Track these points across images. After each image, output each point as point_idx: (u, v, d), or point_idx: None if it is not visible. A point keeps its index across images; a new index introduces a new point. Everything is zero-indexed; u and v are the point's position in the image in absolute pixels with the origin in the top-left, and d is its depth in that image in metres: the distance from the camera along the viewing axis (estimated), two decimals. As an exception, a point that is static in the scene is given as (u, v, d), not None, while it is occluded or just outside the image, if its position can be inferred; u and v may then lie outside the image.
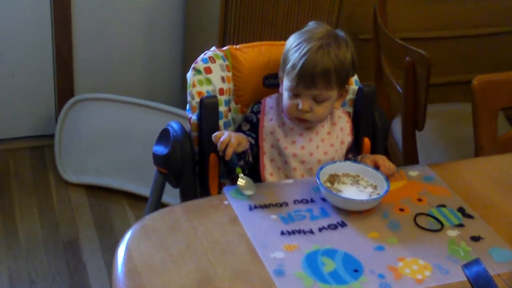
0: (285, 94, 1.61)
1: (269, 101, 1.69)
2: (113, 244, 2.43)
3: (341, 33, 1.63)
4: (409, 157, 2.24)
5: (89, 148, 2.77)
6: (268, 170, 1.64)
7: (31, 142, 2.98)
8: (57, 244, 2.42)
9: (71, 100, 2.79)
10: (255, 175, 1.63)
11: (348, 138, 1.71)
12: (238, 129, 1.68)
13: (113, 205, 2.66)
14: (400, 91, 2.19)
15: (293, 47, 1.59)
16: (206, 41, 2.65)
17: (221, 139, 1.49)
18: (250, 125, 1.67)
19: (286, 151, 1.63)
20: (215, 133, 1.51)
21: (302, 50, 1.56)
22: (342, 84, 1.63)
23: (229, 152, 1.49)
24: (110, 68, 2.98)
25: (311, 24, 1.65)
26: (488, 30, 2.98)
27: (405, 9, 2.79)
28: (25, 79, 2.87)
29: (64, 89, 2.92)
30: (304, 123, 1.62)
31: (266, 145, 1.64)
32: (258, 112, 1.67)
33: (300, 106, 1.58)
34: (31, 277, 2.26)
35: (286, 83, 1.60)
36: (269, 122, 1.65)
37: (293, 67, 1.56)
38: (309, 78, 1.55)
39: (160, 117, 2.73)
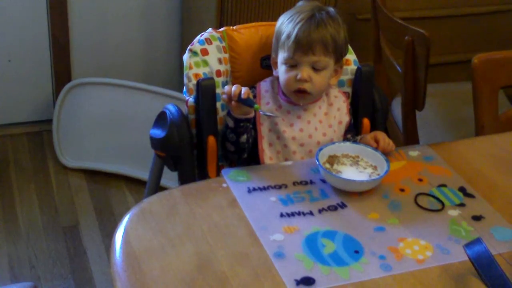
0: (282, 68, 1.59)
1: (263, 85, 1.67)
2: (113, 228, 2.40)
3: (332, 9, 1.61)
4: (410, 137, 2.23)
5: (87, 132, 2.76)
6: (267, 155, 1.62)
7: (29, 127, 2.96)
8: (57, 229, 2.42)
9: (69, 85, 2.78)
10: (254, 160, 1.62)
11: (346, 118, 1.69)
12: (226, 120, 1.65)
13: (112, 190, 2.65)
14: (400, 71, 2.17)
15: (285, 22, 1.59)
16: (203, 23, 2.63)
17: (233, 88, 1.49)
18: None
19: (285, 135, 1.61)
20: (224, 90, 1.52)
21: (295, 20, 1.56)
22: (338, 56, 1.61)
23: (246, 90, 1.49)
24: (107, 52, 2.96)
25: (300, 3, 1.64)
26: (488, 8, 2.96)
27: (404, -12, 2.76)
28: (22, 65, 2.85)
29: (61, 73, 2.90)
30: (304, 96, 1.59)
31: (264, 129, 1.62)
32: (254, 96, 1.64)
33: (299, 76, 1.55)
34: (31, 263, 2.26)
35: (282, 56, 1.58)
36: (265, 106, 1.63)
37: (289, 36, 1.55)
38: (306, 43, 1.54)
39: (158, 100, 2.71)
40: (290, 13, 1.60)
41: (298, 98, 1.60)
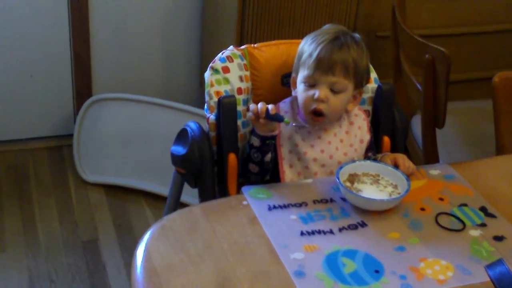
0: (301, 87, 1.59)
1: (283, 106, 1.67)
2: (132, 243, 2.43)
3: (357, 35, 1.62)
4: (429, 155, 2.22)
5: (107, 148, 2.77)
6: (289, 176, 1.62)
7: (50, 142, 2.99)
8: (76, 243, 2.43)
9: (89, 100, 2.80)
10: (275, 181, 1.62)
11: (366, 136, 1.69)
12: (250, 140, 1.65)
13: (131, 205, 2.66)
14: (420, 88, 2.17)
15: (308, 41, 1.60)
16: (223, 40, 2.65)
17: (259, 105, 1.51)
18: None
19: (306, 156, 1.61)
20: (250, 107, 1.53)
21: (319, 40, 1.57)
22: (358, 81, 1.61)
23: (273, 107, 1.51)
24: (128, 68, 2.99)
25: (326, 26, 1.65)
26: (509, 26, 2.95)
27: (424, 6, 2.76)
28: (43, 80, 2.88)
29: (82, 89, 2.93)
30: (319, 119, 1.59)
31: (284, 151, 1.62)
32: None
33: (316, 95, 1.55)
34: (50, 277, 2.27)
35: (301, 75, 1.59)
36: (285, 127, 1.63)
37: (310, 54, 1.56)
38: (327, 63, 1.54)
39: (178, 116, 2.72)
40: (315, 34, 1.61)
41: (314, 122, 1.60)
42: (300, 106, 1.61)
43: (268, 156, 1.58)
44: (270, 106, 1.51)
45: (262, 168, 1.60)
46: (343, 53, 1.55)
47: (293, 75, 1.66)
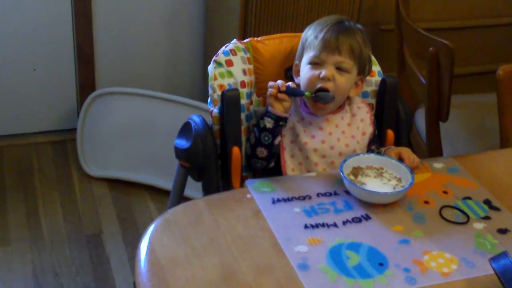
0: (306, 68, 1.60)
1: None
2: (136, 237, 2.43)
3: (360, 26, 1.63)
4: (433, 149, 2.22)
5: (111, 142, 2.78)
6: (290, 166, 1.62)
7: (54, 136, 2.99)
8: (80, 237, 2.43)
9: (93, 94, 2.80)
10: (276, 171, 1.62)
11: (369, 129, 1.69)
12: (260, 125, 1.65)
13: (135, 199, 2.66)
14: (424, 82, 2.17)
15: (312, 28, 1.63)
16: (227, 34, 2.64)
17: (279, 82, 1.56)
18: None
19: (307, 146, 1.61)
20: (270, 84, 1.58)
21: (324, 23, 1.60)
22: (361, 67, 1.62)
23: (292, 83, 1.58)
24: (131, 62, 2.99)
25: (328, 16, 1.67)
26: (513, 19, 2.95)
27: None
28: (46, 74, 2.88)
29: (86, 83, 2.93)
30: (323, 107, 1.60)
31: (286, 141, 1.62)
32: None
33: (323, 74, 1.56)
34: (54, 271, 2.27)
35: (307, 57, 1.60)
36: (288, 129, 1.63)
37: (316, 36, 1.59)
38: (334, 43, 1.57)
39: (181, 110, 2.72)
40: (317, 21, 1.64)
41: (319, 108, 1.60)
42: (304, 87, 1.61)
43: (278, 139, 1.60)
44: (289, 83, 1.56)
45: (270, 152, 1.60)
46: (349, 35, 1.59)
47: (296, 62, 1.67)
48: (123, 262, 2.33)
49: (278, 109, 1.56)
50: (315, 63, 1.59)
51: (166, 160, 2.54)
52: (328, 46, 1.57)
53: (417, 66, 2.29)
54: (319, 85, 1.58)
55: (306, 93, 1.56)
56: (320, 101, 1.58)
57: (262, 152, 1.60)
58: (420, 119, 2.39)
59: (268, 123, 1.57)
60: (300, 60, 1.64)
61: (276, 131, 1.58)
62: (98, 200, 2.63)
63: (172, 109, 2.74)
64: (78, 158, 2.78)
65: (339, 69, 1.58)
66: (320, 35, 1.58)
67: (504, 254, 1.24)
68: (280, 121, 1.57)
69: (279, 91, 1.55)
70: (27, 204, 2.58)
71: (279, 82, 1.56)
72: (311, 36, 1.60)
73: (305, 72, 1.60)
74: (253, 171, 1.69)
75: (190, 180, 1.76)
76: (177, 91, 3.01)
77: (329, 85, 1.57)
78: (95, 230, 2.48)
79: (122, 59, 2.96)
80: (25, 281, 2.22)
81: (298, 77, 1.65)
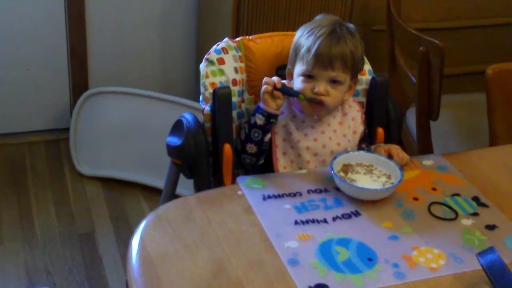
0: (299, 79, 1.60)
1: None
2: (128, 236, 2.39)
3: (351, 25, 1.63)
4: (424, 148, 2.23)
5: (104, 141, 2.78)
6: (282, 164, 1.63)
7: (47, 135, 3.00)
8: (73, 236, 2.44)
9: (86, 94, 2.81)
10: (268, 169, 1.64)
11: (360, 128, 1.70)
12: (250, 121, 1.67)
13: (128, 198, 2.67)
14: (414, 81, 2.18)
15: (305, 34, 1.60)
16: (219, 33, 2.66)
17: (274, 78, 1.56)
18: None
19: (299, 144, 1.62)
20: (264, 83, 1.57)
21: (316, 34, 1.57)
22: (354, 72, 1.62)
23: (288, 82, 1.59)
24: (124, 61, 3.00)
25: (319, 16, 1.65)
26: (503, 19, 2.96)
27: (419, 0, 2.77)
28: (40, 73, 2.89)
29: (79, 82, 2.94)
30: (319, 109, 1.60)
31: (278, 139, 1.63)
32: None
33: (316, 89, 1.57)
34: (47, 269, 2.28)
35: (300, 69, 1.59)
36: (280, 115, 1.63)
37: (309, 49, 1.56)
38: (327, 58, 1.55)
39: (174, 109, 2.73)
40: (310, 26, 1.61)
41: (313, 110, 1.61)
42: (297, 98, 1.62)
43: (268, 136, 1.60)
44: (285, 81, 1.56)
45: (260, 149, 1.60)
46: (341, 47, 1.56)
47: (288, 66, 1.67)
48: (116, 261, 2.34)
49: (271, 106, 1.57)
50: (308, 76, 1.59)
51: (159, 159, 2.55)
52: (320, 61, 1.56)
53: (408, 66, 2.31)
54: (313, 97, 1.58)
55: (300, 95, 1.56)
56: (313, 102, 1.59)
57: (251, 148, 1.61)
58: (411, 118, 2.41)
59: (259, 119, 1.58)
60: (292, 66, 1.64)
61: (266, 128, 1.59)
62: (91, 199, 2.64)
63: (165, 108, 2.76)
64: (71, 157, 2.79)
65: (332, 81, 1.58)
66: (313, 49, 1.56)
67: (491, 250, 1.25)
68: (271, 118, 1.58)
69: (275, 88, 1.56)
70: (20, 203, 2.58)
71: (275, 78, 1.56)
72: (304, 47, 1.58)
73: (298, 83, 1.60)
74: (245, 168, 1.70)
75: (182, 178, 1.77)
76: (170, 90, 3.02)
77: (323, 98, 1.58)
78: (88, 229, 2.48)
79: (115, 59, 2.97)
80: (18, 280, 2.22)
81: (291, 81, 1.65)
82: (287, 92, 1.58)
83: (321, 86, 1.57)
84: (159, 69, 3.09)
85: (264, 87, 1.57)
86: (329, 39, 1.56)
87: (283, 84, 1.56)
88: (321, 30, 1.58)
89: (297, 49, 1.61)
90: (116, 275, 2.29)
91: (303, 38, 1.60)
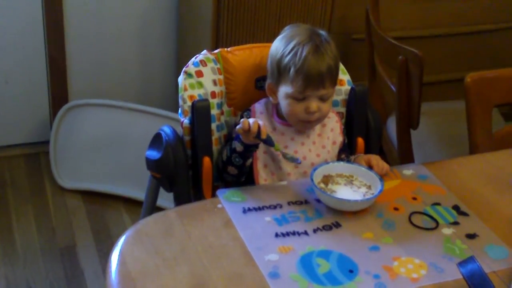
0: (287, 101, 1.58)
1: (258, 107, 1.68)
2: (110, 249, 2.38)
3: (324, 33, 1.62)
4: (405, 156, 2.24)
5: (84, 154, 2.77)
6: (262, 176, 1.63)
7: (26, 149, 2.97)
8: (54, 250, 2.42)
9: (66, 106, 2.79)
10: (248, 181, 1.63)
11: (339, 138, 1.70)
12: (232, 145, 1.65)
13: (109, 210, 2.65)
14: (394, 90, 2.19)
15: (288, 53, 1.56)
16: (199, 44, 2.65)
17: (251, 122, 1.49)
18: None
19: (279, 157, 1.62)
20: (242, 121, 1.50)
21: (301, 53, 1.55)
22: (337, 80, 1.63)
23: (264, 130, 1.51)
24: (104, 73, 2.98)
25: (290, 27, 1.63)
26: (481, 27, 2.98)
27: (398, 8, 2.78)
28: (18, 86, 2.87)
29: (58, 95, 2.92)
30: (310, 125, 1.62)
31: (259, 151, 1.62)
32: (249, 117, 1.65)
33: (310, 109, 1.56)
34: (28, 284, 2.26)
35: (288, 90, 1.57)
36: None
37: (298, 72, 1.54)
38: (318, 78, 1.55)
39: (154, 121, 2.72)
40: (288, 40, 1.58)
41: (305, 127, 1.62)
42: (288, 116, 1.61)
43: (249, 161, 1.59)
44: (261, 124, 1.50)
45: (241, 172, 1.60)
46: (327, 61, 1.56)
47: (269, 81, 1.64)
48: (98, 275, 2.32)
49: (247, 141, 1.53)
50: (298, 98, 1.57)
51: (140, 171, 2.53)
52: (312, 83, 1.54)
53: (388, 74, 2.32)
54: (306, 119, 1.58)
55: (275, 145, 1.54)
56: (288, 160, 1.57)
57: (233, 170, 1.60)
58: (392, 126, 2.41)
59: (238, 147, 1.56)
60: (275, 82, 1.60)
61: (246, 155, 1.57)
62: (72, 212, 2.62)
63: (145, 120, 2.74)
64: (51, 171, 2.77)
65: (322, 98, 1.58)
66: (303, 70, 1.53)
67: (471, 259, 1.25)
68: (250, 147, 1.56)
69: (257, 135, 1.51)
70: None
71: (251, 122, 1.50)
72: (291, 69, 1.54)
73: (288, 104, 1.58)
74: (225, 181, 1.69)
75: (163, 190, 1.75)
76: (151, 102, 3.00)
77: (315, 116, 1.58)
78: (69, 243, 2.46)
79: (94, 71, 2.96)
80: (-2, 296, 2.21)
81: (274, 97, 1.63)
82: (262, 141, 1.53)
83: (313, 105, 1.57)
84: (139, 81, 3.07)
85: (238, 128, 1.51)
86: (316, 57, 1.55)
87: (258, 133, 1.50)
88: (304, 48, 1.55)
89: (280, 67, 1.58)
90: (98, 289, 2.27)
91: (285, 57, 1.57)
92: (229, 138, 1.68)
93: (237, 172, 1.60)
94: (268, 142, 1.54)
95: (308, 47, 1.55)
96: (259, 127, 1.50)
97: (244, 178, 1.63)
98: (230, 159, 1.59)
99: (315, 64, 1.54)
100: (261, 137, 1.51)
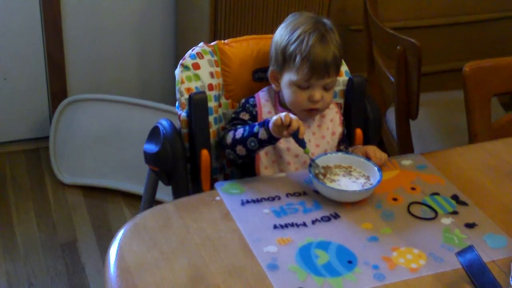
0: (291, 89, 1.59)
1: (262, 95, 1.68)
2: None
3: (327, 21, 1.62)
4: (404, 147, 2.23)
5: (84, 149, 2.77)
6: (264, 163, 1.63)
7: (26, 145, 2.97)
8: (55, 246, 2.42)
9: (65, 102, 2.78)
10: (250, 168, 1.63)
11: (339, 129, 1.70)
12: (236, 119, 1.65)
13: (110, 205, 2.65)
14: (393, 80, 2.18)
15: (294, 40, 1.57)
16: (197, 38, 2.64)
17: (293, 118, 1.47)
18: (250, 116, 1.65)
19: (280, 145, 1.62)
20: (282, 116, 1.47)
21: (307, 41, 1.55)
22: (340, 69, 1.64)
23: (303, 130, 1.49)
24: (102, 68, 2.98)
25: (294, 15, 1.64)
26: (480, 17, 2.98)
27: (396, -1, 2.78)
28: (17, 83, 2.86)
29: (57, 90, 2.92)
30: (314, 114, 1.62)
31: None
32: (255, 105, 1.65)
33: (314, 98, 1.57)
34: (29, 280, 2.26)
35: (292, 77, 1.57)
36: (267, 114, 1.63)
37: (304, 60, 1.54)
38: (324, 67, 1.55)
39: (153, 115, 2.72)
40: (294, 27, 1.58)
41: (309, 115, 1.63)
42: (291, 106, 1.61)
43: (262, 150, 1.59)
44: (301, 128, 1.48)
45: (249, 156, 1.59)
46: (332, 50, 1.56)
47: (272, 68, 1.64)
48: (99, 270, 2.32)
49: (276, 133, 1.51)
50: (302, 86, 1.57)
51: (140, 166, 2.52)
52: (317, 71, 1.55)
53: (386, 65, 2.31)
54: (310, 107, 1.58)
55: (306, 149, 1.52)
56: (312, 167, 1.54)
57: (241, 150, 1.57)
58: (391, 117, 2.41)
59: (263, 135, 1.53)
60: (279, 68, 1.61)
61: (264, 145, 1.55)
62: (72, 208, 2.62)
63: (144, 114, 2.74)
64: (51, 166, 2.77)
65: (325, 87, 1.59)
66: (309, 58, 1.53)
67: (470, 248, 1.25)
68: (273, 140, 1.54)
69: (292, 133, 1.49)
70: (0, 213, 2.56)
71: (293, 118, 1.47)
72: (297, 56, 1.55)
73: (290, 92, 1.59)
74: (223, 173, 1.69)
75: (162, 184, 1.75)
76: (149, 96, 3.00)
77: (319, 105, 1.59)
78: (69, 238, 2.46)
79: (93, 66, 2.95)
80: (0, 292, 2.21)
81: (277, 84, 1.63)
82: (297, 140, 1.51)
83: (318, 94, 1.57)
84: (137, 75, 3.07)
85: (276, 118, 1.48)
86: (322, 46, 1.55)
87: (297, 132, 1.48)
88: (311, 36, 1.56)
89: (285, 54, 1.58)
90: (99, 284, 2.27)
91: (292, 44, 1.57)
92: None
93: (245, 154, 1.58)
94: (302, 143, 1.52)
95: (314, 35, 1.56)
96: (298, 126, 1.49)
97: (242, 161, 1.62)
98: (244, 140, 1.56)
99: (322, 53, 1.55)
100: (298, 136, 1.50)
